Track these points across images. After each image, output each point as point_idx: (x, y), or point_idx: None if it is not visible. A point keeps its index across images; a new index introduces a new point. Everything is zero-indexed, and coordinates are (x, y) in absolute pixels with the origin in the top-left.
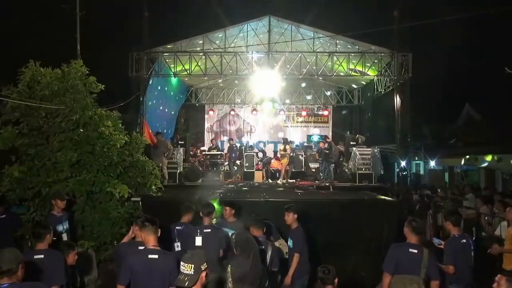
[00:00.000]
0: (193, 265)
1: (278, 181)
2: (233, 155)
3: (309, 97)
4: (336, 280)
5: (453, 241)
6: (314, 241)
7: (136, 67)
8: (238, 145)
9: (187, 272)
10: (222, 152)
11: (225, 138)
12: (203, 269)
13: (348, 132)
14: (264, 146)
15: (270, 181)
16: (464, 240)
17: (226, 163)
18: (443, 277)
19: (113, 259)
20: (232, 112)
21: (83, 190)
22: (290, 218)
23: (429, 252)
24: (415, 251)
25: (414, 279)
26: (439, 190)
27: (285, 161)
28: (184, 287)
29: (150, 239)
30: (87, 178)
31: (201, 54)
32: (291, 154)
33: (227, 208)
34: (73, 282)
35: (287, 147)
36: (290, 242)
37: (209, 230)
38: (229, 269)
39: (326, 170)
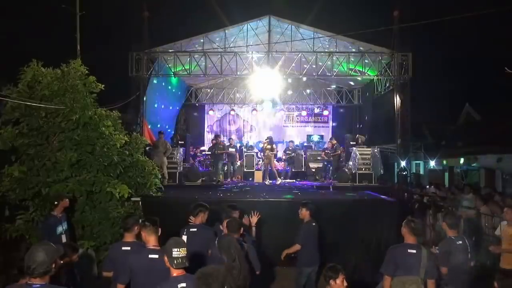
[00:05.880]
0: (184, 248)
1: (266, 182)
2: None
3: (309, 97)
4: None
5: (448, 243)
6: None
7: (136, 67)
8: (238, 145)
9: (183, 255)
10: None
11: (225, 138)
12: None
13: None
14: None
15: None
16: (461, 242)
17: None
18: (440, 278)
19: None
20: (232, 112)
21: (83, 190)
22: (302, 213)
23: (428, 252)
24: (414, 251)
25: (413, 280)
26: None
27: (266, 161)
28: (184, 267)
29: (150, 239)
30: (87, 178)
31: (201, 54)
32: (292, 154)
33: (236, 212)
34: (73, 282)
35: (274, 146)
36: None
37: (195, 229)
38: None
39: (327, 170)
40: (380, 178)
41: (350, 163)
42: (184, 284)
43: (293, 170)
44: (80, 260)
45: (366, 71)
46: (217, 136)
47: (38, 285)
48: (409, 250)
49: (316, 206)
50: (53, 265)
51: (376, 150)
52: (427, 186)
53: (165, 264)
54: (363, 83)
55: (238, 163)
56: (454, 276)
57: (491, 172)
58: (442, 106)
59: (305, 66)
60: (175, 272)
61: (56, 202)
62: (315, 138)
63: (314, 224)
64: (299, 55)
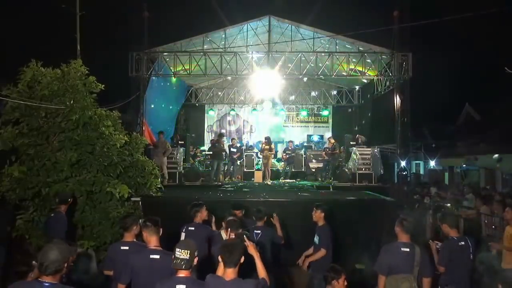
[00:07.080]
0: (188, 251)
1: (268, 182)
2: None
3: (309, 97)
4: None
5: (449, 243)
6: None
7: (136, 67)
8: (238, 145)
9: (183, 257)
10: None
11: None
12: (195, 255)
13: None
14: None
15: (268, 182)
16: (463, 243)
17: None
18: (438, 278)
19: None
20: (232, 112)
21: (83, 190)
22: (317, 215)
23: (421, 250)
24: (407, 249)
25: (406, 277)
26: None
27: (265, 161)
28: (181, 269)
29: (152, 239)
30: (87, 178)
31: (201, 54)
32: (292, 154)
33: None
34: (72, 281)
35: (272, 146)
36: (316, 238)
37: (193, 228)
38: None
39: (327, 169)
40: (380, 178)
41: (350, 163)
42: (183, 286)
43: (293, 170)
44: (80, 259)
45: (366, 71)
46: (221, 135)
47: (48, 284)
48: (402, 249)
49: None
50: (65, 264)
51: (376, 150)
52: (429, 186)
53: (166, 265)
54: (363, 83)
55: (238, 163)
56: (455, 276)
57: (491, 172)
58: (442, 106)
59: (305, 66)
60: (180, 273)
61: (70, 199)
62: (315, 138)
63: (329, 226)
64: (299, 55)
